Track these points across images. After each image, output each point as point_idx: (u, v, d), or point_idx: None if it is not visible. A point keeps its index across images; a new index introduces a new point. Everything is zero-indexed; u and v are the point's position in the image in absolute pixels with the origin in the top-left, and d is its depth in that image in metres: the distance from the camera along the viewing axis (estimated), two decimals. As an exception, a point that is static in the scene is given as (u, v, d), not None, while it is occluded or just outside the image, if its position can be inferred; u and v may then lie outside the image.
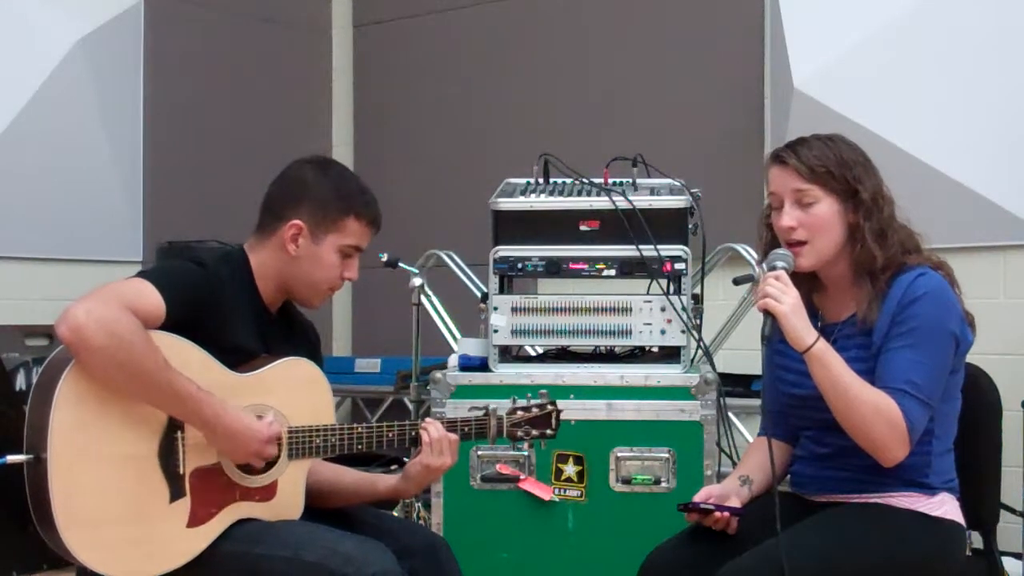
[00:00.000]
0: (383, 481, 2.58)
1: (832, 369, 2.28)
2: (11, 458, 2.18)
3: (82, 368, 2.14)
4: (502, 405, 2.59)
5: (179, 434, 2.25)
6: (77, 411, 2.15)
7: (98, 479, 2.17)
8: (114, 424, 2.18)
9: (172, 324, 2.24)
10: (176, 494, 2.24)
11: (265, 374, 2.37)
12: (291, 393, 2.38)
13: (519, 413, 2.58)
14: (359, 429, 2.42)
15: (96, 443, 2.17)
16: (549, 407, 2.61)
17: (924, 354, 2.28)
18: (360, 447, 2.42)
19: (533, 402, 2.60)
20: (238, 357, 2.36)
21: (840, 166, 2.38)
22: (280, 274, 2.48)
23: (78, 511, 2.15)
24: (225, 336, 2.34)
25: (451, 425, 2.51)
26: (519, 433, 2.58)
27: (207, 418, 2.22)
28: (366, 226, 2.51)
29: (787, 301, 2.30)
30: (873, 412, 2.25)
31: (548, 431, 2.60)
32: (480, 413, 2.56)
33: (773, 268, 2.37)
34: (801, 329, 2.29)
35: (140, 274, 2.30)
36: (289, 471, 2.37)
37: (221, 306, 2.35)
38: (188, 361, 2.25)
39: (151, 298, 2.22)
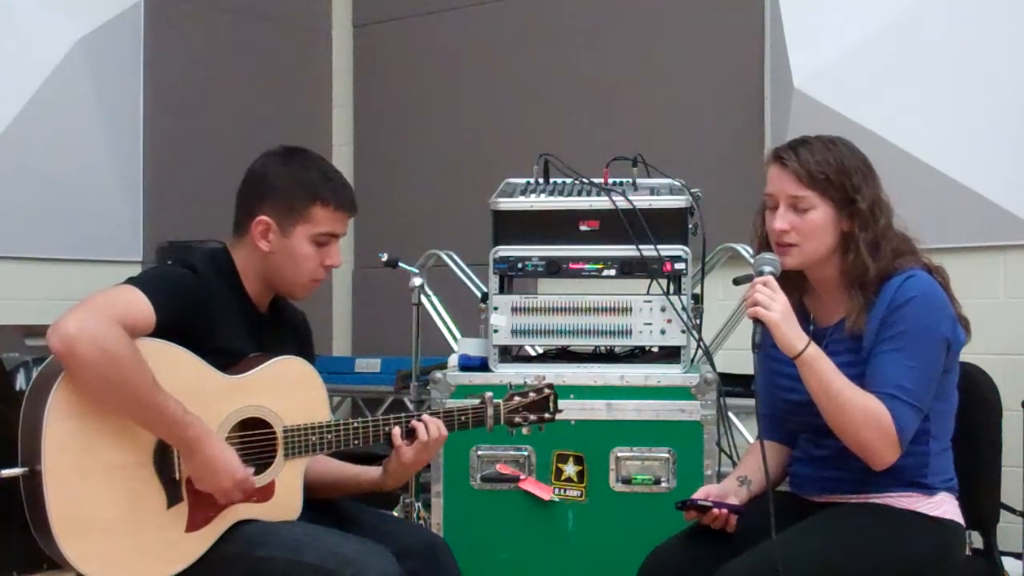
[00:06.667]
0: (365, 474, 2.58)
1: (823, 374, 2.27)
2: (5, 472, 2.17)
3: (72, 379, 2.14)
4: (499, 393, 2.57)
5: None
6: (70, 422, 2.15)
7: (94, 489, 2.16)
8: (108, 433, 2.18)
9: (163, 331, 2.24)
10: (173, 499, 2.24)
11: (257, 375, 2.36)
12: (284, 393, 2.38)
13: (516, 399, 2.56)
14: (355, 424, 2.41)
15: (91, 453, 2.16)
16: (546, 391, 2.59)
17: (914, 358, 2.27)
18: (357, 443, 2.42)
19: (530, 387, 2.58)
20: (230, 358, 2.35)
21: (840, 173, 2.36)
22: (260, 270, 2.46)
23: (76, 522, 2.14)
24: (217, 338, 2.33)
25: (448, 414, 2.50)
26: (517, 419, 2.56)
27: (189, 441, 2.20)
28: (335, 211, 2.45)
29: (777, 308, 2.29)
30: (863, 417, 2.25)
31: (547, 414, 2.58)
32: (477, 402, 2.54)
33: (760, 273, 2.35)
34: (791, 336, 2.28)
35: (130, 280, 2.29)
36: (286, 470, 2.37)
37: (212, 309, 2.35)
38: (179, 366, 2.25)
39: (142, 308, 2.21)
